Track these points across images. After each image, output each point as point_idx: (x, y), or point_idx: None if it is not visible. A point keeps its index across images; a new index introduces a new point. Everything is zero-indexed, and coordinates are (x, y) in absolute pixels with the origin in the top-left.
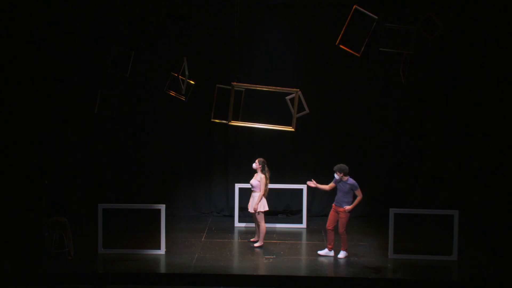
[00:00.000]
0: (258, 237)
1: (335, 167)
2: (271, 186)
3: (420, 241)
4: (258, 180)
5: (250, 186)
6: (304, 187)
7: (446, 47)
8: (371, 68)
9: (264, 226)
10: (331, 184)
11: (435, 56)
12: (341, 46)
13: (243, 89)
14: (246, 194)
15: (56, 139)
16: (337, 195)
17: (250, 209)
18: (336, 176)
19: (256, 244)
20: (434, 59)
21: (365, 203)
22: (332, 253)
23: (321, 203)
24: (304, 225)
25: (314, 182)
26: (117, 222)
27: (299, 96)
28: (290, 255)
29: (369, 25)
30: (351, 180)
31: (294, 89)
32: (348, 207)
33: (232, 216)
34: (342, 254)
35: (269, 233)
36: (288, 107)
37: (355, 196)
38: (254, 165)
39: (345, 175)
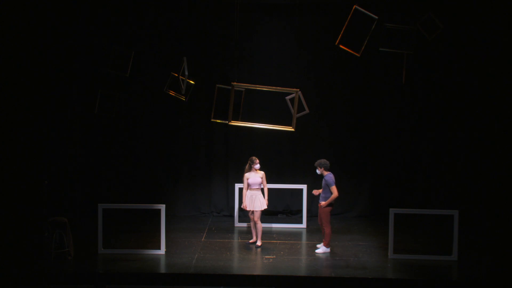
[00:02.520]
0: (256, 236)
1: (316, 163)
2: (271, 186)
3: (420, 241)
4: (260, 177)
5: (248, 185)
6: (304, 187)
7: (446, 47)
8: (371, 68)
9: (260, 224)
10: (332, 187)
11: (435, 56)
12: (341, 46)
13: (243, 89)
14: None
15: (56, 139)
16: None
17: (263, 206)
18: (318, 171)
19: (257, 243)
20: (434, 59)
21: (365, 203)
22: (328, 250)
23: None
24: (304, 225)
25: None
26: (117, 222)
27: (299, 96)
28: (290, 255)
29: (369, 25)
30: (327, 176)
31: (294, 89)
32: (322, 203)
33: (232, 216)
34: (320, 249)
35: (269, 233)
36: (288, 107)
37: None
38: (258, 166)
39: (325, 169)
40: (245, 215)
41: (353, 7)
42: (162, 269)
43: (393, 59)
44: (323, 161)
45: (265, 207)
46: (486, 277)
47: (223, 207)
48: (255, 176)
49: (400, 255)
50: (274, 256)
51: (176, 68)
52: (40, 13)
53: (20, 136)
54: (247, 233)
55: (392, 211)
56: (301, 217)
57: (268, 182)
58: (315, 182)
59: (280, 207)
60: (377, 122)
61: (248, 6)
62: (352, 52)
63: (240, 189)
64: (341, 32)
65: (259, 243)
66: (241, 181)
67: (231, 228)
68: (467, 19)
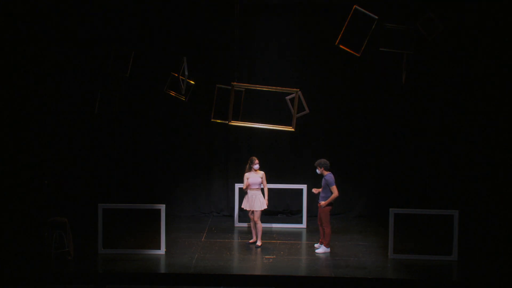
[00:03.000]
0: (256, 236)
1: (316, 162)
2: (271, 186)
3: (420, 241)
4: (260, 176)
5: (247, 186)
6: (304, 187)
7: (446, 47)
8: (371, 68)
9: (260, 224)
10: (333, 187)
11: (435, 56)
12: (341, 46)
13: (243, 89)
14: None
15: (56, 139)
16: None
17: (263, 206)
18: (318, 171)
19: (257, 243)
20: (434, 59)
21: (365, 203)
22: (328, 250)
23: None
24: (304, 225)
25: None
26: (117, 222)
27: (299, 96)
28: (289, 255)
29: (369, 25)
30: (328, 176)
31: (294, 89)
32: (322, 203)
33: (232, 216)
34: (320, 249)
35: (269, 233)
36: (288, 107)
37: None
38: (257, 166)
39: (325, 169)
40: (245, 215)
41: (353, 7)
42: (162, 269)
43: (393, 59)
44: (323, 160)
45: (265, 207)
46: (486, 277)
47: (223, 207)
48: (255, 176)
49: (400, 255)
50: (274, 256)
51: (176, 68)
52: (40, 13)
53: (20, 136)
54: (247, 233)
55: (392, 211)
56: (301, 217)
57: (268, 182)
58: (315, 182)
59: (280, 207)
60: (377, 122)
61: (248, 6)
62: (352, 52)
63: (240, 189)
64: (341, 32)
65: (259, 243)
66: (241, 181)
67: (231, 228)
68: (467, 19)
